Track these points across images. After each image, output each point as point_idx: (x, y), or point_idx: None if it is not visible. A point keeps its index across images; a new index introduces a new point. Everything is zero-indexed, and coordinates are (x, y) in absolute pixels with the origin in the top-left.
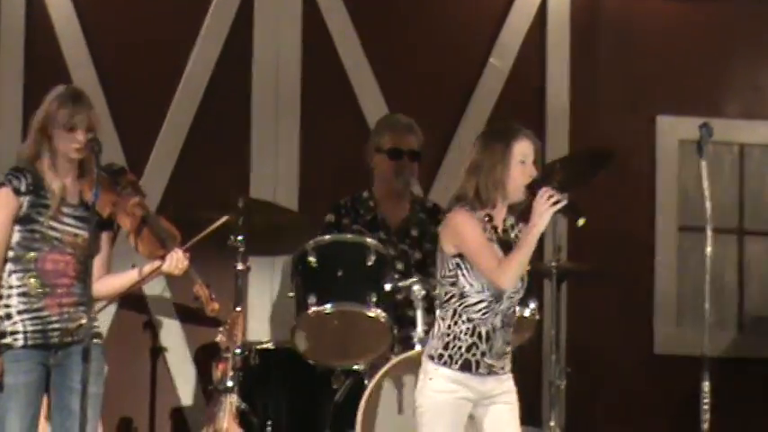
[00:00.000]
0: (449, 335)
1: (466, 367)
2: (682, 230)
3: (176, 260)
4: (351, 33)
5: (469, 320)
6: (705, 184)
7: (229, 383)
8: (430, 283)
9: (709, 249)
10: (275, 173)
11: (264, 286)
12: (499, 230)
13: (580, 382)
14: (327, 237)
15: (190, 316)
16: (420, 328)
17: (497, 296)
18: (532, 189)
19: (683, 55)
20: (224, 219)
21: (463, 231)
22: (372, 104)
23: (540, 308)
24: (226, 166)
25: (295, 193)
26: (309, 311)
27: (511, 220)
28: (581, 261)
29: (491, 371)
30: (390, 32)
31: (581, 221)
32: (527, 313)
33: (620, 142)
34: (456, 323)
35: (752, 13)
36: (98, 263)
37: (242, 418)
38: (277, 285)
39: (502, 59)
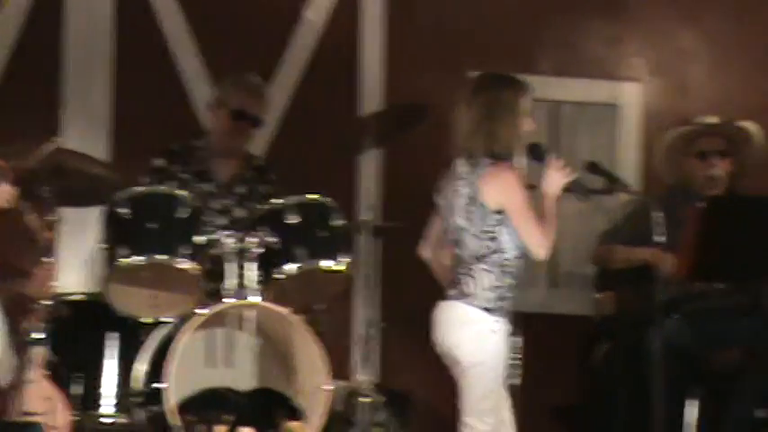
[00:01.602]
0: (499, 287)
1: (508, 316)
2: None
3: (2, 192)
4: None
5: (509, 274)
6: None
7: (39, 335)
8: (242, 238)
9: None
10: (87, 123)
11: (76, 237)
12: None
13: (393, 337)
14: (140, 188)
15: None
16: (230, 282)
17: (526, 252)
18: (535, 152)
19: (498, 12)
20: (56, 141)
21: (514, 195)
22: (186, 57)
23: (354, 263)
24: (37, 116)
25: (107, 144)
26: (120, 263)
27: None
28: (395, 217)
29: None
30: None
31: (588, 200)
32: (340, 268)
33: (435, 98)
34: (503, 277)
35: None
36: None
37: (51, 369)
38: (89, 236)
39: (316, 13)
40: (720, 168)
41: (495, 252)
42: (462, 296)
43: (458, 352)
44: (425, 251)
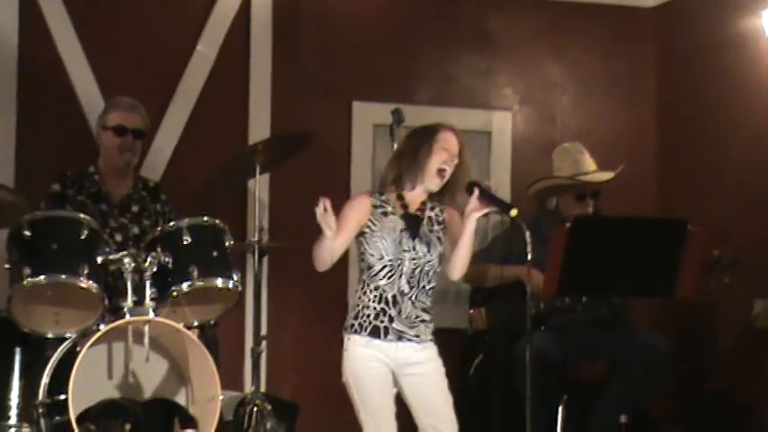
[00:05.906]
0: (358, 305)
1: (374, 333)
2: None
3: None
4: (65, 18)
5: (376, 288)
6: None
7: None
8: (140, 256)
9: None
10: None
11: None
12: (410, 209)
13: (280, 349)
14: (42, 212)
15: None
16: (130, 299)
17: (398, 260)
18: (470, 189)
19: (379, 45)
20: None
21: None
22: (86, 87)
23: (243, 280)
24: None
25: (11, 169)
26: (24, 282)
27: (430, 204)
28: (282, 238)
29: (401, 337)
30: (104, 18)
31: (513, 212)
32: (230, 285)
33: (319, 126)
34: (365, 293)
35: (440, 6)
36: None
37: None
38: None
39: (208, 47)
40: (592, 206)
41: (363, 271)
42: None
43: None
44: None
